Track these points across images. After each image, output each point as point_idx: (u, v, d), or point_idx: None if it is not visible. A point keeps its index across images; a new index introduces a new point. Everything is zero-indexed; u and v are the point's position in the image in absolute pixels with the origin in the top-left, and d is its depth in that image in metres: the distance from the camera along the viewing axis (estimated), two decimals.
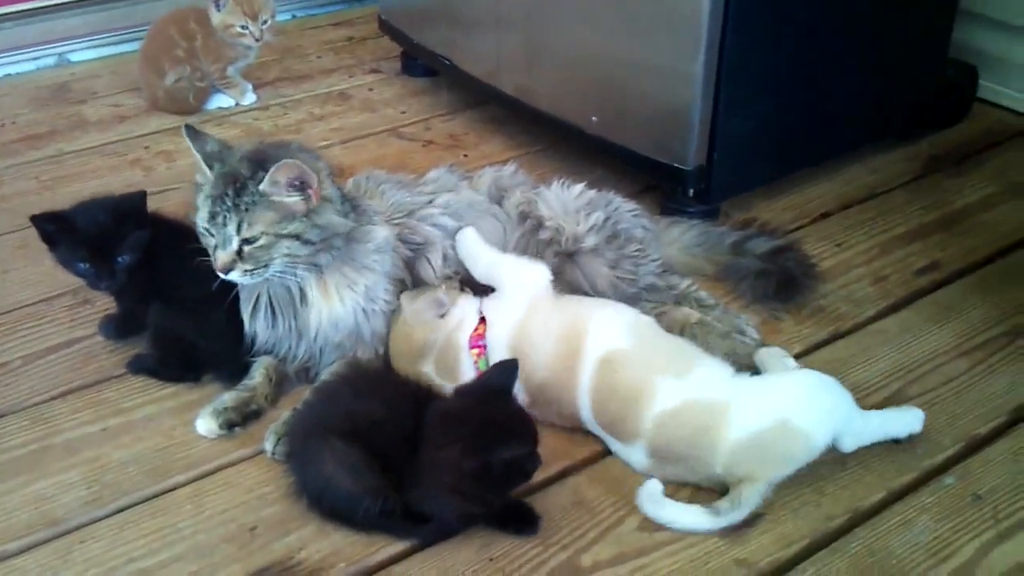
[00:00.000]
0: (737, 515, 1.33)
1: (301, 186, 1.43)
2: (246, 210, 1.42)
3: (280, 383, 1.59)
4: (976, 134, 2.38)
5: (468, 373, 1.53)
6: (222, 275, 1.44)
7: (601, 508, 1.38)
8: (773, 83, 1.96)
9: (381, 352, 1.59)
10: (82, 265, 1.55)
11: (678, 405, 1.37)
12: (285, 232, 1.44)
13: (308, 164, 1.44)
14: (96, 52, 2.97)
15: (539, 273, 1.57)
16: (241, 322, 1.57)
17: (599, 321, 1.48)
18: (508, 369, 1.36)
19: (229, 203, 1.42)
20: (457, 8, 2.40)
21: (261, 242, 1.43)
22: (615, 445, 1.45)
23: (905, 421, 1.47)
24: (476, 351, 1.53)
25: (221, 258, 1.43)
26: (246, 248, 1.43)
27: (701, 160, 1.93)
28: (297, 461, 1.40)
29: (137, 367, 1.64)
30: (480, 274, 1.63)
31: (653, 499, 1.35)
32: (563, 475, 1.44)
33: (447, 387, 1.49)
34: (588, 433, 1.48)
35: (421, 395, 1.39)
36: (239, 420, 1.52)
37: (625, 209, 1.78)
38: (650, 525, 1.35)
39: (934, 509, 1.38)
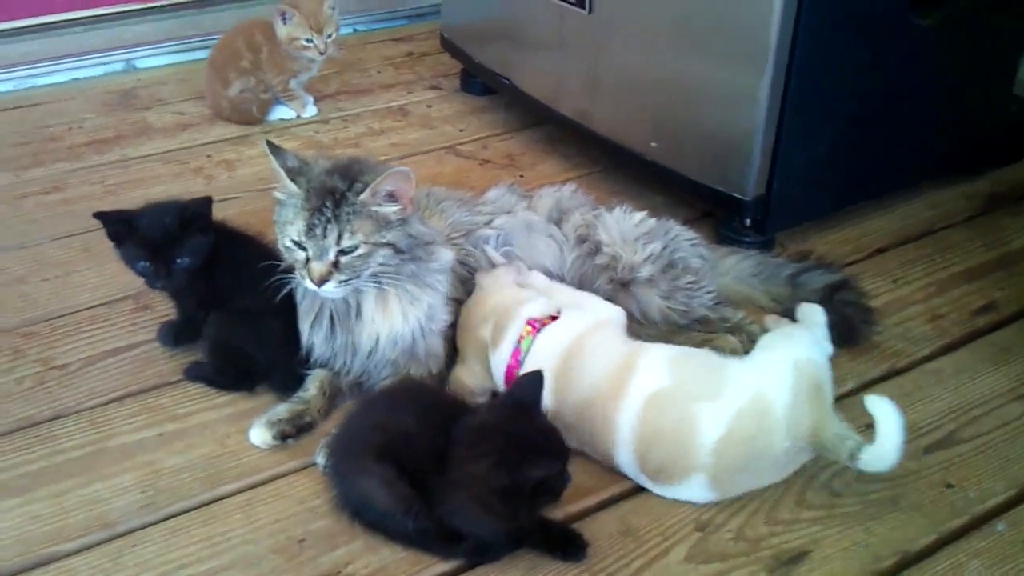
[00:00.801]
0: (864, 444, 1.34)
1: (393, 196, 1.46)
2: (347, 221, 1.44)
3: (333, 397, 1.60)
4: None
5: (508, 344, 1.52)
6: (315, 287, 1.46)
7: (648, 537, 1.38)
8: (837, 114, 1.94)
9: (435, 371, 1.60)
10: (142, 264, 1.58)
11: (726, 431, 1.36)
12: (383, 241, 1.46)
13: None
14: (163, 59, 3.03)
15: (618, 310, 1.60)
16: (297, 334, 1.59)
17: (647, 360, 1.46)
18: (534, 382, 1.36)
19: (329, 214, 1.43)
20: (520, 29, 2.41)
21: (359, 252, 1.45)
22: (660, 491, 1.43)
23: None
24: (529, 328, 1.52)
25: (317, 269, 1.45)
26: (343, 259, 1.45)
27: (760, 190, 1.93)
28: (336, 474, 1.42)
29: (194, 374, 1.67)
30: (559, 301, 1.61)
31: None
32: (610, 502, 1.44)
33: (492, 356, 1.52)
34: None
35: (454, 409, 1.40)
36: (292, 432, 1.53)
37: (684, 238, 1.78)
38: (697, 556, 1.35)
39: (985, 555, 1.36)
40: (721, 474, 1.38)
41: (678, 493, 1.42)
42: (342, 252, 1.45)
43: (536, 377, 1.36)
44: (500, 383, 1.55)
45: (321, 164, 1.51)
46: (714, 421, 1.37)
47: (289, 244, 1.48)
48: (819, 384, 1.41)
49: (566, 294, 1.64)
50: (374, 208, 1.46)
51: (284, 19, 2.50)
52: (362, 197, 1.44)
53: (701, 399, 1.39)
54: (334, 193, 1.45)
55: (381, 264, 1.48)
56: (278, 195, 1.50)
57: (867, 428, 1.36)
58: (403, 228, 1.49)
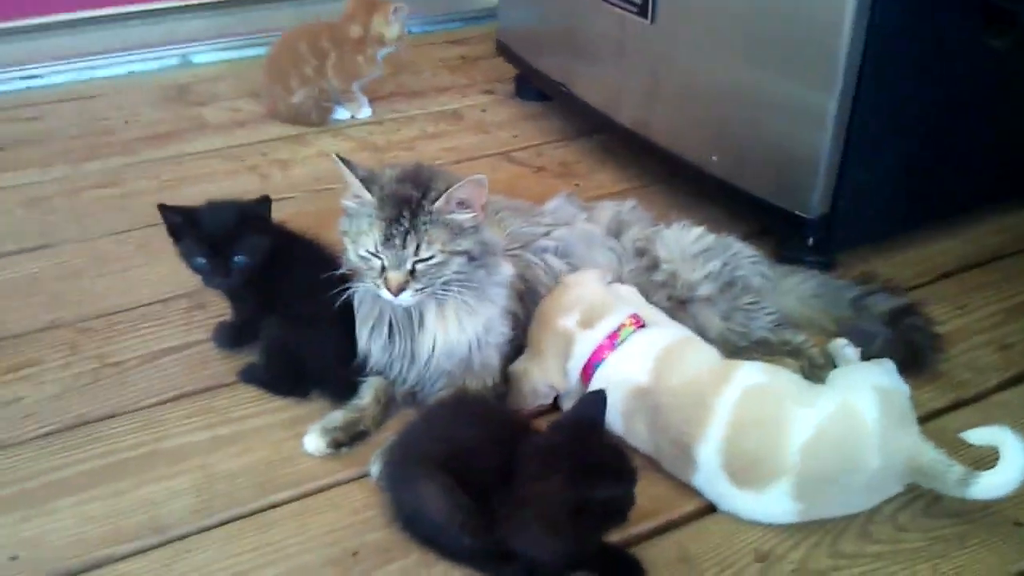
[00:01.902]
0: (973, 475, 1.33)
1: (464, 203, 1.45)
2: (424, 230, 1.43)
3: (388, 406, 1.59)
4: None
5: (604, 328, 1.51)
6: (392, 296, 1.45)
7: (707, 566, 1.35)
8: (905, 132, 1.90)
9: (490, 384, 1.58)
10: (200, 260, 1.58)
11: (815, 432, 1.35)
12: (459, 250, 1.46)
13: None
14: (218, 55, 3.04)
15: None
16: (354, 341, 1.58)
17: (748, 364, 1.47)
18: (598, 402, 1.34)
19: (406, 224, 1.43)
20: (579, 36, 2.39)
21: (436, 260, 1.45)
22: (737, 498, 1.40)
23: None
24: (632, 321, 1.52)
25: (395, 279, 1.44)
26: (419, 267, 1.44)
27: (825, 209, 1.89)
28: (392, 483, 1.40)
29: (248, 377, 1.67)
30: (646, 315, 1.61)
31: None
32: (668, 528, 1.41)
33: (579, 339, 1.52)
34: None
35: (518, 427, 1.38)
36: (346, 440, 1.52)
37: (744, 255, 1.75)
38: None
39: None
40: (807, 481, 1.35)
41: (758, 503, 1.39)
42: (419, 261, 1.44)
43: (600, 397, 1.34)
44: (574, 378, 1.54)
45: (388, 172, 1.50)
46: (805, 423, 1.36)
47: (364, 254, 1.46)
48: (906, 413, 1.40)
49: (651, 312, 1.62)
50: (449, 216, 1.45)
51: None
52: (437, 205, 1.43)
53: (795, 402, 1.39)
54: (409, 202, 1.44)
55: (456, 272, 1.47)
56: (348, 204, 1.49)
57: None
58: (476, 236, 1.48)
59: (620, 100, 2.30)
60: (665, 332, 1.53)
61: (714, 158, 2.06)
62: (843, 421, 1.36)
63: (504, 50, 2.75)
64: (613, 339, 1.51)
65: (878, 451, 1.35)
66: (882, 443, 1.35)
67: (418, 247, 1.43)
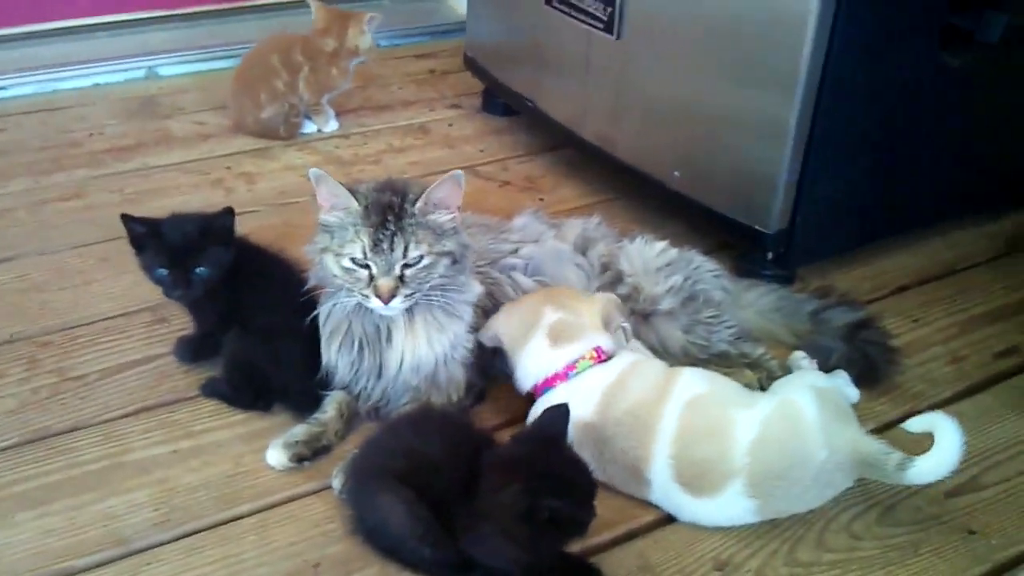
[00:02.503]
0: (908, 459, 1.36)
1: (441, 205, 1.48)
2: (411, 231, 1.45)
3: (351, 419, 1.59)
4: None
5: (566, 357, 1.51)
6: (382, 305, 1.46)
7: (666, 574, 1.37)
8: (864, 148, 1.94)
9: (455, 399, 1.59)
10: (161, 271, 1.58)
11: (760, 430, 1.39)
12: (444, 250, 1.48)
13: None
14: (184, 68, 3.03)
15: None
16: (317, 355, 1.58)
17: (688, 373, 1.50)
18: (560, 415, 1.36)
19: (392, 227, 1.44)
20: (545, 51, 2.41)
21: (423, 263, 1.46)
22: (695, 507, 1.42)
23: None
24: (594, 352, 1.51)
25: (386, 285, 1.45)
26: (408, 272, 1.46)
27: (784, 224, 1.92)
28: (354, 496, 1.41)
29: (210, 391, 1.66)
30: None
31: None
32: (629, 537, 1.43)
33: (539, 348, 1.53)
34: None
35: (480, 441, 1.39)
36: (309, 454, 1.52)
37: (706, 269, 1.77)
38: None
39: None
40: (759, 479, 1.37)
41: (716, 507, 1.41)
42: (406, 265, 1.45)
43: (563, 411, 1.36)
44: (523, 381, 1.55)
45: (364, 185, 1.52)
46: (748, 424, 1.40)
47: (348, 265, 1.47)
48: (843, 408, 1.47)
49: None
50: (430, 217, 1.47)
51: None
52: (418, 205, 1.46)
53: (737, 405, 1.43)
54: (392, 207, 1.46)
55: (441, 276, 1.49)
56: (328, 219, 1.49)
57: None
58: (457, 237, 1.51)
59: (585, 115, 2.32)
60: (617, 363, 1.52)
61: (676, 173, 2.08)
62: (784, 417, 1.41)
63: (471, 64, 2.77)
64: (569, 370, 1.51)
65: (822, 444, 1.38)
66: (824, 436, 1.38)
67: (406, 249, 1.45)
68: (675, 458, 1.40)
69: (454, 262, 1.50)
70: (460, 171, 1.47)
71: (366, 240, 1.45)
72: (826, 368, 1.68)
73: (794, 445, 1.39)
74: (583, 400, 1.46)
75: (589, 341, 1.53)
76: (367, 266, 1.46)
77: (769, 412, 1.41)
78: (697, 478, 1.40)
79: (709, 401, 1.44)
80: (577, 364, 1.51)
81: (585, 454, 1.43)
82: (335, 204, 1.48)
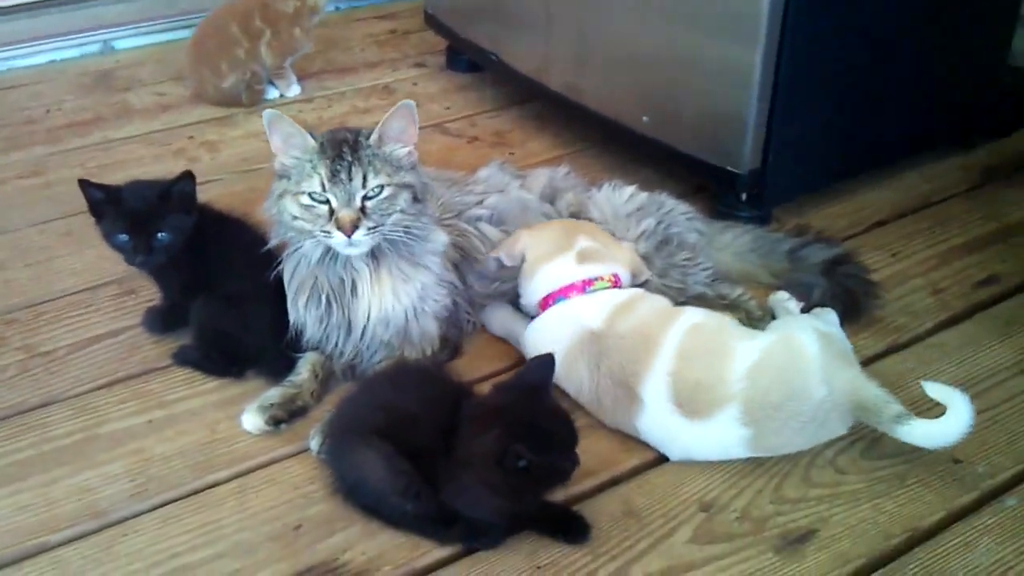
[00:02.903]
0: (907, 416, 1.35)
1: (399, 140, 1.47)
2: (369, 161, 1.43)
3: (326, 380, 1.57)
4: None
5: (586, 272, 1.55)
6: (344, 239, 1.42)
7: (652, 519, 1.35)
8: (830, 86, 1.91)
9: (428, 354, 1.57)
10: (122, 237, 1.54)
11: (759, 356, 1.39)
12: (404, 182, 1.46)
13: None
14: (140, 40, 2.98)
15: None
16: (286, 317, 1.55)
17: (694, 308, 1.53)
18: (544, 365, 1.34)
19: (349, 158, 1.42)
20: (506, 3, 2.37)
21: (384, 194, 1.44)
22: (686, 434, 1.41)
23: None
24: (613, 278, 1.56)
25: (347, 216, 1.42)
26: (368, 204, 1.43)
27: (755, 164, 1.89)
28: (333, 454, 1.39)
29: (182, 360, 1.63)
30: None
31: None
32: (613, 483, 1.41)
33: (565, 262, 1.56)
34: (638, 441, 1.46)
35: (459, 392, 1.37)
36: (285, 416, 1.50)
37: (679, 212, 1.75)
38: (701, 537, 1.32)
39: (996, 531, 1.33)
40: (754, 406, 1.36)
41: (708, 432, 1.39)
42: (366, 198, 1.43)
43: (547, 361, 1.34)
44: (533, 299, 1.59)
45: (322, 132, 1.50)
46: (749, 350, 1.41)
47: (307, 202, 1.44)
48: (846, 351, 1.47)
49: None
50: (387, 149, 1.46)
51: None
52: (373, 138, 1.44)
53: (737, 336, 1.45)
54: (347, 141, 1.44)
55: (402, 211, 1.46)
56: (285, 161, 1.47)
57: None
58: (416, 172, 1.49)
59: (550, 66, 2.28)
60: (630, 291, 1.56)
61: (645, 119, 2.05)
62: (785, 350, 1.41)
63: (433, 22, 2.72)
64: (587, 284, 1.54)
65: (822, 382, 1.37)
66: (825, 375, 1.37)
67: (365, 178, 1.42)
68: (673, 375, 1.40)
69: (415, 199, 1.48)
70: (411, 100, 1.45)
71: (324, 172, 1.42)
72: (809, 306, 1.67)
73: (793, 377, 1.38)
74: (593, 311, 1.50)
75: (612, 267, 1.56)
76: (326, 201, 1.43)
77: (770, 343, 1.42)
78: (692, 399, 1.39)
79: (712, 327, 1.46)
80: (596, 282, 1.54)
81: (580, 368, 1.45)
82: (291, 144, 1.45)
